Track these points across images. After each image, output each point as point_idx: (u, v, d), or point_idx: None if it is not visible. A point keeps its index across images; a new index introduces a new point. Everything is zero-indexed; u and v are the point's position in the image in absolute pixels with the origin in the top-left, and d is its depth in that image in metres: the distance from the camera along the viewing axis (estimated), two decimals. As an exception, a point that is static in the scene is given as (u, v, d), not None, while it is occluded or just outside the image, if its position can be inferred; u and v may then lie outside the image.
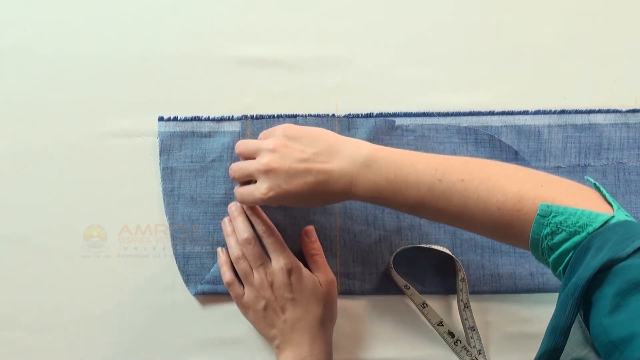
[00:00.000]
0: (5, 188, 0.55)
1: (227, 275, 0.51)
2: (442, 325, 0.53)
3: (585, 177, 0.43)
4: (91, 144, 0.55)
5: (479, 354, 0.53)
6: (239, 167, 0.47)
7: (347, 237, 0.54)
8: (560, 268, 0.37)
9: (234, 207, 0.52)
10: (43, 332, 0.55)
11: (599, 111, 0.54)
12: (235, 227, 0.51)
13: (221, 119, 0.54)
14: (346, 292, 0.54)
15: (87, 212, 0.55)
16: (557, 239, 0.36)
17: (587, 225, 0.35)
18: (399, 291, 0.53)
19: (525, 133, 0.53)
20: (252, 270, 0.49)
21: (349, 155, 0.43)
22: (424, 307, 0.53)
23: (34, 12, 0.55)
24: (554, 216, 0.36)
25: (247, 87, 0.55)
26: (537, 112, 0.54)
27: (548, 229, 0.36)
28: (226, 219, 0.53)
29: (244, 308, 0.51)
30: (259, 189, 0.44)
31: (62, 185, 0.55)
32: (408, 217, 0.54)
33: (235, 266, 0.51)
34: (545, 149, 0.53)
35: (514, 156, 0.53)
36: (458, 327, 0.54)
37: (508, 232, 0.39)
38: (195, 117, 0.54)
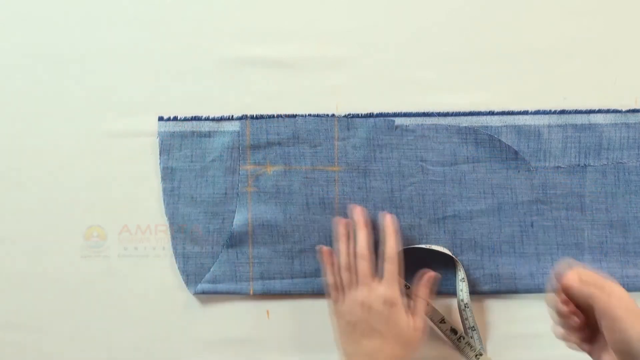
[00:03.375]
0: (5, 188, 0.55)
1: (331, 278, 0.51)
2: (445, 322, 0.53)
3: None
4: (91, 143, 0.55)
5: (479, 354, 0.53)
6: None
7: (347, 237, 0.54)
8: None
9: (361, 215, 0.52)
10: (42, 332, 0.55)
11: (599, 111, 0.53)
12: (358, 237, 0.50)
13: (221, 119, 0.54)
14: (346, 292, 0.54)
15: (87, 212, 0.55)
16: None
17: None
18: (399, 291, 0.53)
19: (525, 133, 0.53)
20: (357, 283, 0.49)
21: None
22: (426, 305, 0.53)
23: (34, 11, 0.55)
24: None
25: (247, 87, 0.55)
26: (537, 112, 0.54)
27: None
28: (343, 221, 0.52)
29: (338, 313, 0.50)
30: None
31: (62, 185, 0.55)
32: (408, 217, 0.54)
33: (341, 272, 0.51)
34: (545, 149, 0.53)
35: (514, 156, 0.53)
36: (458, 327, 0.54)
37: None
38: (195, 116, 0.54)
